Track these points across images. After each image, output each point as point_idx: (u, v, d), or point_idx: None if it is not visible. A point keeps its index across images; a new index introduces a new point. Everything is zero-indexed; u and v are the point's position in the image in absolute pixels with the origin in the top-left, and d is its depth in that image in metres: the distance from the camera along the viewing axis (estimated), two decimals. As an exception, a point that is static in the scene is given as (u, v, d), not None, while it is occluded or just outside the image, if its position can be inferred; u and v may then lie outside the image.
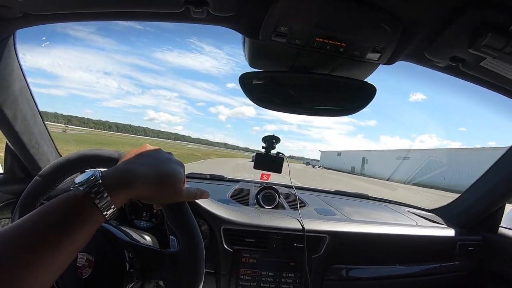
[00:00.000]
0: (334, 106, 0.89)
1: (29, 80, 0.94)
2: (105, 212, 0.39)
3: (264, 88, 0.84)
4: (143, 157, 0.49)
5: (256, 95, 0.83)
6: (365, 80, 0.84)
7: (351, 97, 0.86)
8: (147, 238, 0.87)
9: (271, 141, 1.11)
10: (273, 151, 1.12)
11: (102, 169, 0.43)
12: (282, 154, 1.11)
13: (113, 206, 0.40)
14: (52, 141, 1.14)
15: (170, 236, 0.65)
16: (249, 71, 0.82)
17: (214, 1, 0.59)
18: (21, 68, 0.88)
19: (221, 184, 1.52)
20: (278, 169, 1.11)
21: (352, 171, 39.01)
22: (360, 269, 1.07)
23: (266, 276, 0.99)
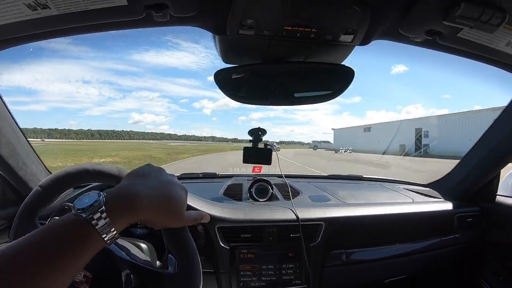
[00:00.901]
0: (314, 92, 0.87)
1: (8, 99, 0.92)
2: (106, 237, 0.39)
3: (241, 83, 0.83)
4: (146, 179, 0.47)
5: (233, 91, 0.82)
6: (343, 62, 0.82)
7: (330, 82, 0.84)
8: (143, 246, 0.87)
9: (257, 133, 1.09)
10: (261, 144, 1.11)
11: (104, 192, 0.42)
12: (270, 145, 1.10)
13: (114, 231, 0.39)
14: (40, 159, 1.13)
15: (169, 255, 0.65)
16: (224, 67, 0.80)
17: (173, 2, 0.57)
18: None
19: (214, 182, 1.51)
20: (267, 161, 1.10)
21: (406, 152, 21.34)
22: (360, 252, 1.07)
23: (266, 269, 1.00)
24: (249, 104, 0.85)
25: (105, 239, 0.38)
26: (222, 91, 0.81)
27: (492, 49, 0.71)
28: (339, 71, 0.80)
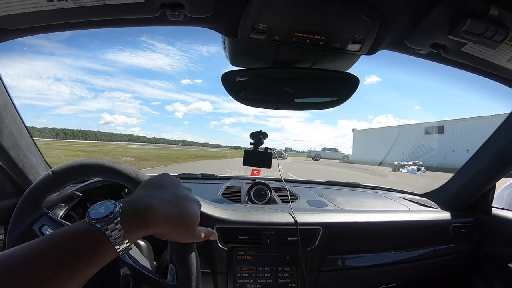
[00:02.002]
0: (319, 99, 0.89)
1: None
2: (119, 248, 0.38)
3: (247, 86, 0.84)
4: (164, 191, 0.47)
5: (239, 93, 0.83)
6: (348, 71, 0.83)
7: (335, 89, 0.86)
8: (142, 244, 0.87)
9: (258, 137, 1.10)
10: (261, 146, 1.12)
11: (120, 203, 0.41)
12: (271, 149, 1.11)
13: (128, 242, 0.39)
14: (40, 153, 1.12)
15: (170, 264, 0.65)
16: (231, 69, 0.81)
17: (189, 2, 0.58)
18: (3, 83, 0.86)
19: (212, 183, 1.51)
20: (267, 165, 1.11)
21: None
22: (355, 258, 1.08)
23: (263, 272, 1.00)
24: (254, 107, 0.87)
25: (118, 250, 0.38)
26: (228, 92, 0.82)
27: (494, 64, 0.74)
28: (345, 79, 0.82)
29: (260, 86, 0.85)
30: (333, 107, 0.84)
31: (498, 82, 0.86)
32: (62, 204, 0.88)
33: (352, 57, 0.79)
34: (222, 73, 0.81)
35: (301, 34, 0.66)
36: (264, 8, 0.59)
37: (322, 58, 0.78)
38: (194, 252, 0.62)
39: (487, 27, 0.59)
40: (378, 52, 0.77)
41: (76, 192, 0.90)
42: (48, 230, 0.65)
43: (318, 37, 0.66)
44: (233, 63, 0.83)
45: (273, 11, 0.60)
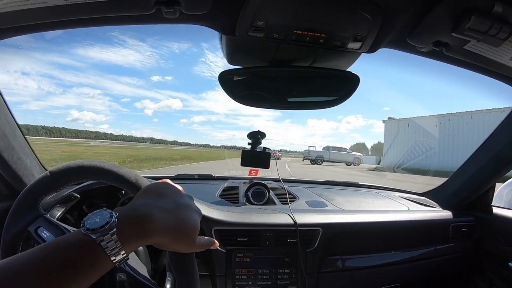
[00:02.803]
0: (319, 97, 0.87)
1: None
2: (115, 259, 0.37)
3: (245, 85, 0.82)
4: (163, 199, 0.46)
5: (237, 92, 0.81)
6: (348, 69, 0.82)
7: (334, 88, 0.84)
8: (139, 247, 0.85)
9: (256, 136, 1.09)
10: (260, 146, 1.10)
11: (117, 212, 0.40)
12: (269, 149, 1.09)
13: (124, 253, 0.38)
14: (35, 154, 1.10)
15: (167, 272, 0.63)
16: (228, 68, 0.80)
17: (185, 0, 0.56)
18: None
19: (210, 184, 1.49)
20: (265, 165, 1.10)
21: None
22: (355, 258, 1.07)
23: (262, 274, 0.99)
24: (252, 106, 0.84)
25: (114, 261, 0.37)
26: (225, 91, 0.80)
27: (496, 62, 0.72)
28: (345, 77, 0.80)
29: (258, 85, 0.83)
30: (333, 106, 0.82)
31: (499, 80, 0.85)
32: (59, 205, 0.86)
33: (352, 55, 0.77)
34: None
35: (300, 32, 0.64)
36: (262, 5, 0.57)
37: (321, 56, 0.76)
38: (193, 262, 0.61)
39: (491, 24, 0.57)
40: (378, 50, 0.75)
41: (74, 193, 0.88)
42: (44, 232, 0.63)
43: (318, 34, 0.64)
44: (231, 61, 0.80)
45: (272, 8, 0.58)
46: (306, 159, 21.41)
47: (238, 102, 0.82)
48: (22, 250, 0.64)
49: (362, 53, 0.75)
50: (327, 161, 20.06)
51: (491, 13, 0.56)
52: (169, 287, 0.61)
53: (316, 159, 20.14)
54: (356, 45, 0.69)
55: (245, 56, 0.78)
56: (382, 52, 0.78)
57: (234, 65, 0.81)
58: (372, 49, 0.73)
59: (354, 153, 21.63)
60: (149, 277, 0.65)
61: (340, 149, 21.39)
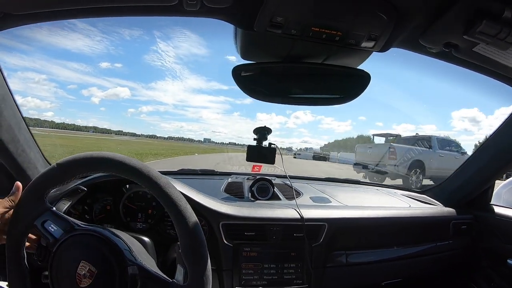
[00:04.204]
0: (329, 94, 0.89)
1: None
2: None
3: (258, 80, 0.83)
4: None
5: (251, 87, 0.82)
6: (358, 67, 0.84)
7: (346, 85, 0.86)
8: (147, 240, 0.86)
9: (262, 132, 1.09)
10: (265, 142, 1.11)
11: None
12: (274, 144, 1.11)
13: None
14: (39, 148, 1.10)
15: (178, 265, 0.64)
16: (242, 63, 0.81)
17: None
18: (2, 74, 0.83)
19: (213, 179, 1.50)
20: (271, 160, 1.11)
21: None
22: (359, 253, 1.10)
23: (268, 268, 1.00)
24: (264, 101, 0.86)
25: None
26: (238, 85, 0.81)
27: (503, 65, 0.75)
28: (356, 75, 0.82)
29: (271, 80, 0.84)
30: (344, 103, 0.84)
31: (504, 83, 0.88)
32: (65, 199, 0.85)
33: (364, 54, 0.79)
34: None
35: (318, 29, 0.65)
36: (284, 2, 0.58)
37: (335, 54, 0.78)
38: (206, 252, 0.62)
39: (501, 28, 0.59)
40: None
41: (81, 186, 0.87)
42: (51, 225, 0.63)
43: (335, 32, 0.66)
44: (244, 56, 0.82)
45: (292, 5, 0.59)
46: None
47: (250, 96, 0.83)
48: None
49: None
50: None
51: (501, 17, 0.58)
52: (181, 278, 0.62)
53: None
54: (370, 44, 0.70)
55: (260, 51, 0.80)
56: (392, 52, 0.80)
57: (247, 60, 0.82)
58: (384, 48, 0.75)
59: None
60: (158, 270, 0.66)
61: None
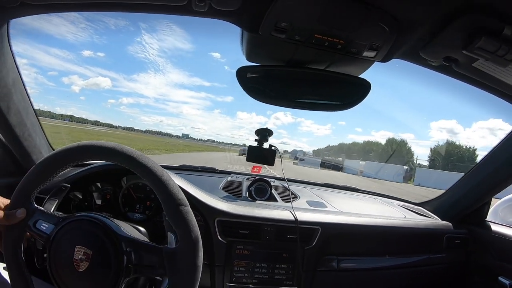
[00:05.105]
0: (330, 101, 0.90)
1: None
2: None
3: (261, 82, 0.85)
4: None
5: (253, 89, 0.84)
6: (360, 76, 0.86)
7: (346, 93, 0.87)
8: (142, 229, 0.88)
9: (264, 133, 1.11)
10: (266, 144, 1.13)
11: None
12: (275, 146, 1.12)
13: None
14: (44, 133, 1.12)
15: (168, 233, 0.65)
16: (246, 65, 0.83)
17: None
18: (14, 59, 0.86)
19: (213, 176, 1.52)
20: (270, 162, 1.12)
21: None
22: (351, 260, 1.10)
23: (260, 267, 1.01)
24: (266, 103, 0.87)
25: None
26: (241, 86, 0.83)
27: (502, 81, 0.76)
28: (357, 83, 0.84)
29: (274, 83, 0.86)
30: (344, 109, 0.86)
31: (503, 99, 0.89)
32: (52, 198, 0.85)
33: (365, 63, 0.81)
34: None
35: (321, 36, 0.67)
36: (289, 8, 0.61)
37: (337, 61, 0.80)
38: (190, 212, 0.63)
39: (499, 45, 0.61)
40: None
41: (64, 184, 0.88)
42: (43, 224, 0.64)
43: (337, 40, 0.68)
44: (249, 58, 0.84)
45: (298, 11, 0.61)
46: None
47: (253, 97, 0.85)
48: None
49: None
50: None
51: (500, 35, 0.60)
52: (173, 242, 0.64)
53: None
54: (371, 53, 0.72)
55: (264, 54, 0.82)
56: (393, 62, 0.81)
57: (252, 62, 0.85)
58: (385, 59, 0.77)
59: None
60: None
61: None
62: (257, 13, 0.64)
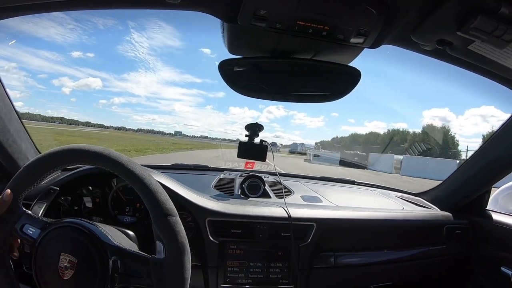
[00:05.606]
0: (319, 91, 0.86)
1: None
2: None
3: (245, 75, 0.81)
4: None
5: (237, 82, 0.81)
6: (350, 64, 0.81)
7: (335, 82, 0.84)
8: (130, 233, 0.85)
9: (254, 129, 1.08)
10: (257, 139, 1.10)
11: None
12: (266, 141, 1.09)
13: None
14: (30, 138, 1.10)
15: (157, 242, 0.63)
16: (229, 57, 0.79)
17: None
18: None
19: (205, 174, 1.49)
20: (262, 157, 1.10)
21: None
22: (348, 255, 1.08)
23: (254, 267, 0.99)
24: (251, 97, 0.84)
25: None
26: (224, 80, 0.80)
27: (499, 64, 0.72)
28: (346, 72, 0.80)
29: (258, 76, 0.83)
30: (334, 100, 0.82)
31: (501, 84, 0.85)
32: (40, 201, 0.84)
33: (354, 50, 0.76)
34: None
35: (303, 23, 0.63)
36: None
37: (324, 49, 0.76)
38: (179, 223, 0.61)
39: (497, 25, 0.57)
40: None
41: (53, 187, 0.86)
42: (30, 228, 0.63)
43: (321, 27, 0.64)
44: (231, 50, 0.80)
45: None
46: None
47: (237, 92, 0.82)
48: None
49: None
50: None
51: (497, 14, 0.55)
52: (161, 251, 0.61)
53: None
54: (359, 39, 0.68)
55: (247, 45, 0.78)
56: (384, 49, 0.77)
57: (234, 54, 0.80)
58: (375, 45, 0.72)
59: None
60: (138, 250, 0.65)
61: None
62: (234, 1, 0.60)
